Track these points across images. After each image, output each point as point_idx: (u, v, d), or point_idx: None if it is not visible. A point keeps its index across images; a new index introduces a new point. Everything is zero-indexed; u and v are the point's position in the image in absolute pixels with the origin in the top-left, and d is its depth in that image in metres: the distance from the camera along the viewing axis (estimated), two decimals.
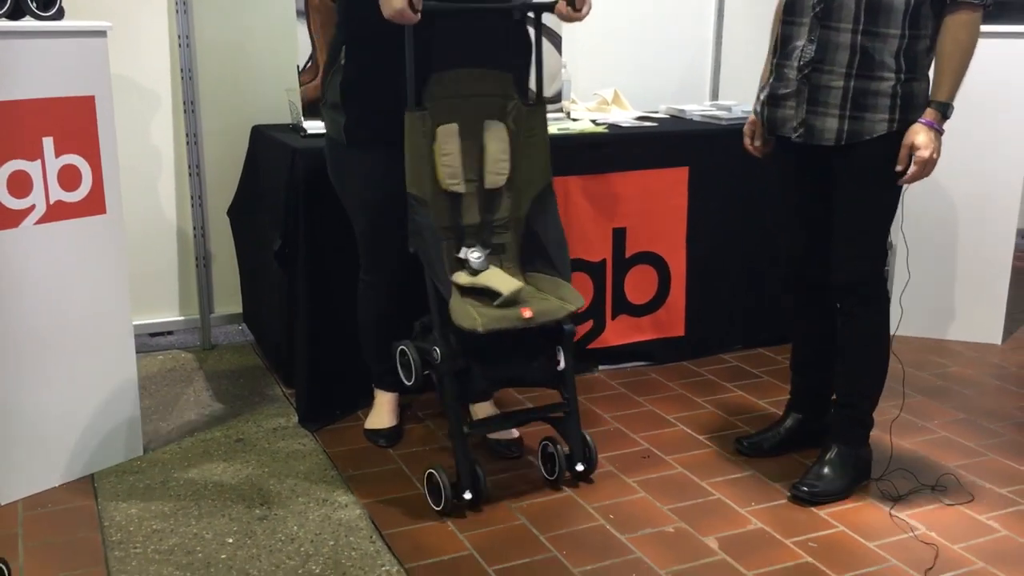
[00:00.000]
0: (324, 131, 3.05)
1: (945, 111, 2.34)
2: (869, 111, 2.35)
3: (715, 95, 4.19)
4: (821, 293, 2.57)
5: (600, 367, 3.39)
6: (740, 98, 3.87)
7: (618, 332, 3.40)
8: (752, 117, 2.64)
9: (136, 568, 2.19)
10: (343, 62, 2.50)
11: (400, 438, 2.79)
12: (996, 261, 3.62)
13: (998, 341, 3.67)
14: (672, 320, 3.46)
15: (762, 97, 2.56)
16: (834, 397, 2.62)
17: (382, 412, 2.81)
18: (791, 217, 2.61)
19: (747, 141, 2.68)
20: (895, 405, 3.06)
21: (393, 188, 2.44)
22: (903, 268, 3.52)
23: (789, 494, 2.51)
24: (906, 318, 3.72)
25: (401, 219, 2.44)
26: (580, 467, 2.54)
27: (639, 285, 3.40)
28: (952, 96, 2.34)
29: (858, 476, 2.57)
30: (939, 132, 2.34)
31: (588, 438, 2.57)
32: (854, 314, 2.49)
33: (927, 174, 2.37)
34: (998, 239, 3.60)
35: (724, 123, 3.47)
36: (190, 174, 3.43)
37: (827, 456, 2.55)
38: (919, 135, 2.32)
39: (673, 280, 3.43)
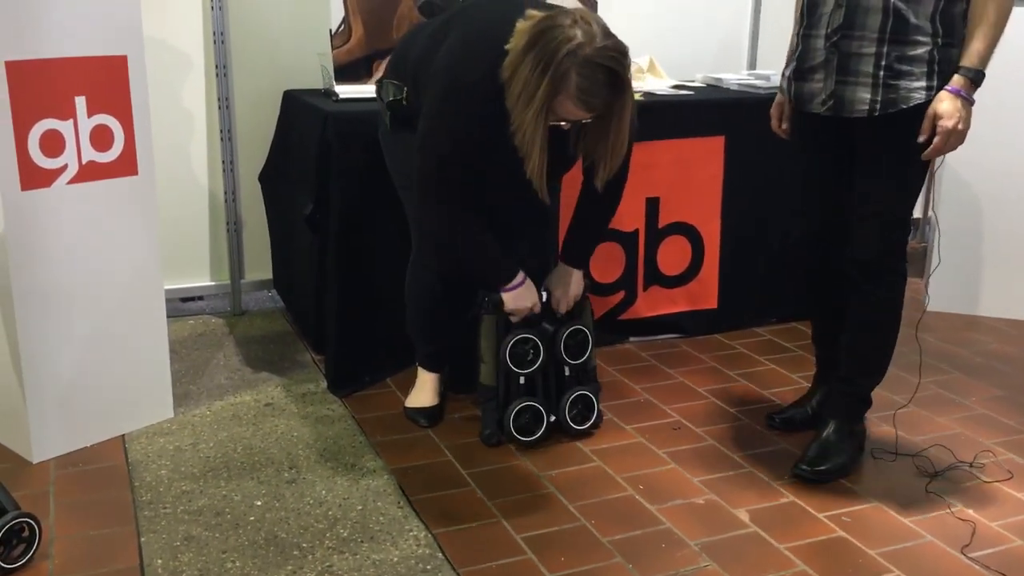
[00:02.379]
0: (355, 96, 3.05)
1: (975, 78, 2.20)
2: (904, 79, 2.22)
3: (753, 64, 4.11)
4: (836, 271, 2.50)
5: (631, 339, 3.35)
6: (779, 67, 3.79)
7: (649, 303, 3.36)
8: (779, 97, 2.55)
9: (165, 527, 2.19)
10: (405, 94, 2.43)
11: (441, 418, 2.74)
12: None
13: None
14: (705, 292, 3.42)
15: (787, 73, 2.45)
16: (840, 372, 2.53)
17: (424, 391, 2.76)
18: (811, 194, 2.50)
19: (775, 124, 2.58)
20: (932, 381, 3.01)
21: None
22: (935, 250, 3.43)
23: (791, 474, 2.45)
24: (944, 294, 3.66)
25: None
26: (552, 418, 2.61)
27: (672, 256, 3.35)
28: (983, 62, 2.20)
29: (855, 452, 2.52)
30: (967, 101, 2.20)
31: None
32: (870, 291, 2.39)
33: (952, 147, 2.23)
34: None
35: (762, 92, 3.40)
36: (222, 139, 3.42)
37: (826, 433, 2.49)
38: (943, 103, 2.19)
39: (707, 251, 3.38)
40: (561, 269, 2.61)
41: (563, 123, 2.23)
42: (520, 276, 2.47)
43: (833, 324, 2.59)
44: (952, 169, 3.58)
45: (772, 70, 3.73)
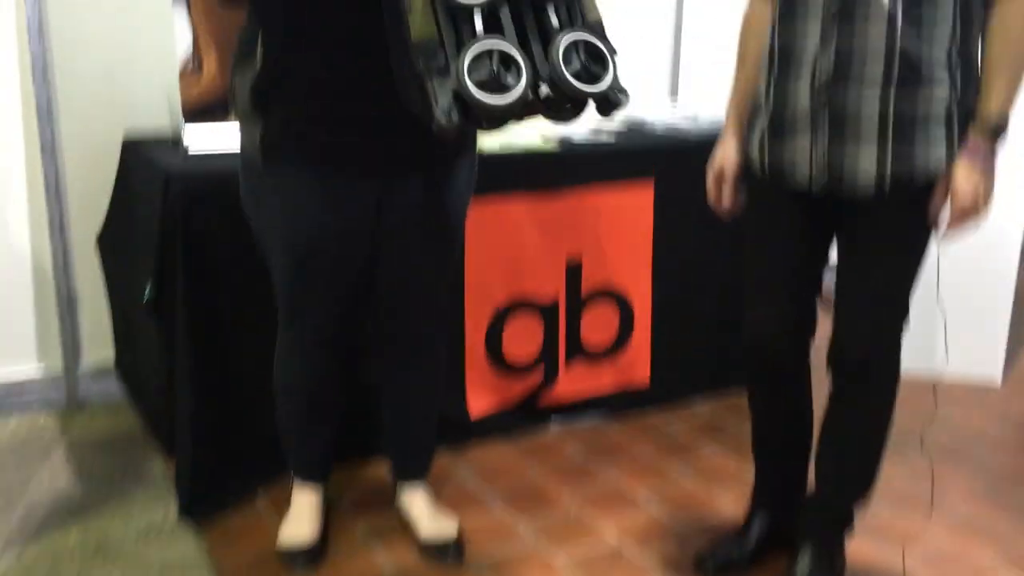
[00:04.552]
0: (212, 151, 2.48)
1: (996, 133, 1.75)
2: (918, 144, 1.75)
3: (675, 90, 3.69)
4: (793, 375, 2.05)
5: (553, 417, 2.85)
6: (702, 100, 3.39)
7: (573, 381, 2.87)
8: (721, 160, 1.99)
9: None
10: (259, 55, 1.85)
11: (324, 554, 2.17)
12: (997, 286, 3.17)
13: (998, 376, 3.23)
14: (635, 366, 2.94)
15: (755, 138, 1.90)
16: (814, 489, 2.08)
17: (301, 518, 2.19)
18: (786, 283, 1.96)
19: (713, 194, 2.02)
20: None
21: (325, 218, 1.91)
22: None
23: None
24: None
25: (336, 257, 1.95)
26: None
27: (597, 327, 2.87)
28: (1004, 110, 1.75)
29: None
30: (988, 164, 1.76)
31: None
32: (858, 397, 1.96)
33: (972, 223, 1.79)
34: (999, 264, 3.15)
35: (691, 137, 2.95)
36: (47, 192, 2.78)
37: (802, 562, 2.03)
38: (958, 178, 1.75)
39: (637, 320, 2.91)
40: None
41: None
42: None
43: (788, 439, 2.13)
44: None
45: (697, 106, 3.30)
